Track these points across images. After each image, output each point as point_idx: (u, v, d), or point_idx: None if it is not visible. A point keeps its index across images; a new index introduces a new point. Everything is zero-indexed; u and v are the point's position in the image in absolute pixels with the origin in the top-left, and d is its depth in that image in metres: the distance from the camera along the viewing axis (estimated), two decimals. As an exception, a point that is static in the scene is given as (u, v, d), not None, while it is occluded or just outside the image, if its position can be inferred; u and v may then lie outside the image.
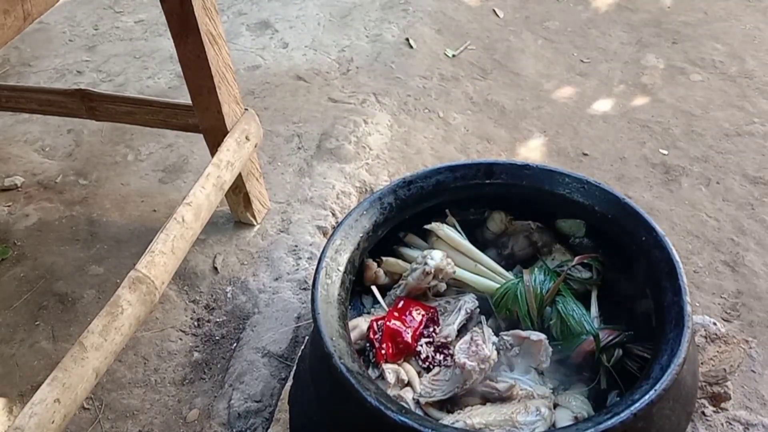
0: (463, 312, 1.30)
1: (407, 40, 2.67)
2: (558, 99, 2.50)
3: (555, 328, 1.27)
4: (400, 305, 1.31)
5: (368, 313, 1.37)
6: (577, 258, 1.34)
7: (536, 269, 1.33)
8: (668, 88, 2.51)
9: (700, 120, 2.35)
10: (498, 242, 1.48)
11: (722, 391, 1.37)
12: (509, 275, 1.37)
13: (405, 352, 1.25)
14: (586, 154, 2.24)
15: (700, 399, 1.36)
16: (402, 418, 0.94)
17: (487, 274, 1.37)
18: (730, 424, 1.35)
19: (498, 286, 1.34)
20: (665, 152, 2.23)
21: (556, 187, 1.34)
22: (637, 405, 0.94)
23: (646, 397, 0.95)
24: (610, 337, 1.22)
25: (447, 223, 1.43)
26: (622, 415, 0.93)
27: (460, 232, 1.42)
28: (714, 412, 1.37)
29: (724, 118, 2.35)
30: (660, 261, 1.15)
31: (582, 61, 2.68)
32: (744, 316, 1.71)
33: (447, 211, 1.43)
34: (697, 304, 1.73)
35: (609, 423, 0.93)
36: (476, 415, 1.11)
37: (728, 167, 2.15)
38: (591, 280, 1.33)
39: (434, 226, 1.40)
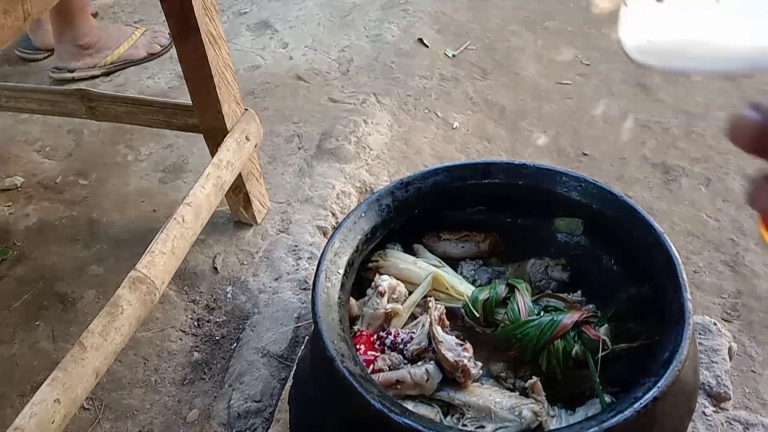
0: (426, 324, 1.24)
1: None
2: (558, 99, 2.50)
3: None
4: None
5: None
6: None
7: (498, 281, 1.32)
8: (668, 88, 2.51)
9: (700, 120, 2.35)
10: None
11: (722, 391, 1.37)
12: (470, 286, 1.34)
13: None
14: (586, 154, 2.25)
15: (700, 399, 1.36)
16: (407, 421, 0.95)
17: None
18: (730, 424, 1.35)
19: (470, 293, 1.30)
20: (665, 152, 2.23)
21: (554, 185, 1.33)
22: (640, 402, 0.94)
23: (650, 394, 0.95)
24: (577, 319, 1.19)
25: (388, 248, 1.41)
26: (626, 413, 0.93)
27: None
28: (714, 412, 1.37)
29: (724, 118, 2.35)
30: (658, 257, 1.15)
31: (582, 61, 2.68)
32: (744, 316, 1.71)
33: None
34: (698, 305, 1.73)
35: (613, 421, 0.93)
36: (469, 393, 1.11)
37: (728, 167, 2.15)
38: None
39: (379, 255, 1.38)
